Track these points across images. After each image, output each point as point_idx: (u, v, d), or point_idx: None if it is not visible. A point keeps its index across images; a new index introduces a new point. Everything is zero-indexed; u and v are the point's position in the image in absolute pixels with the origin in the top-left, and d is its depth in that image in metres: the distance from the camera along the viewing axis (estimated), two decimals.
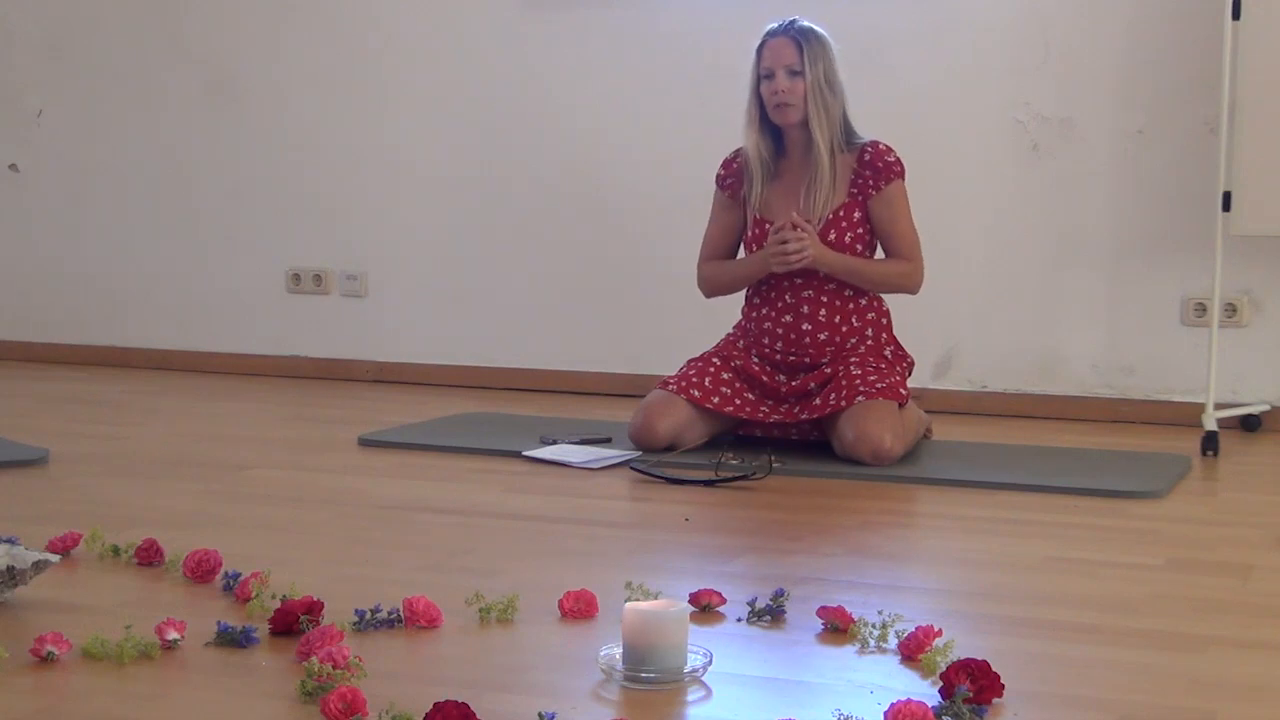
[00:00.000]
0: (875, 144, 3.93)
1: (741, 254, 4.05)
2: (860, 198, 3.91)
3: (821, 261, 3.84)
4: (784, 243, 3.80)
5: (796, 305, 3.92)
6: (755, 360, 3.94)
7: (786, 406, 3.88)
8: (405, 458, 3.88)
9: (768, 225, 3.91)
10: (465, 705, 1.84)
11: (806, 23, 3.91)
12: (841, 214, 3.90)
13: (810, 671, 2.20)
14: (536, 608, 2.42)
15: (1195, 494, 3.59)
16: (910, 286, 3.97)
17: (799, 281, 3.92)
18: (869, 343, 3.92)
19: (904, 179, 3.93)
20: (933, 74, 4.77)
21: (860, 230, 3.91)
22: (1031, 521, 3.20)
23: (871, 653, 2.25)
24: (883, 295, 3.99)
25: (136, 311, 5.69)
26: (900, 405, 3.81)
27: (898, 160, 3.92)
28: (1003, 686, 2.00)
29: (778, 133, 3.95)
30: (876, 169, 3.90)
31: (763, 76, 3.89)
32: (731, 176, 4.04)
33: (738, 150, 4.04)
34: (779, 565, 2.79)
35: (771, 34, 3.90)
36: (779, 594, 2.44)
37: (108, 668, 2.12)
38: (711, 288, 4.10)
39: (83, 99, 5.69)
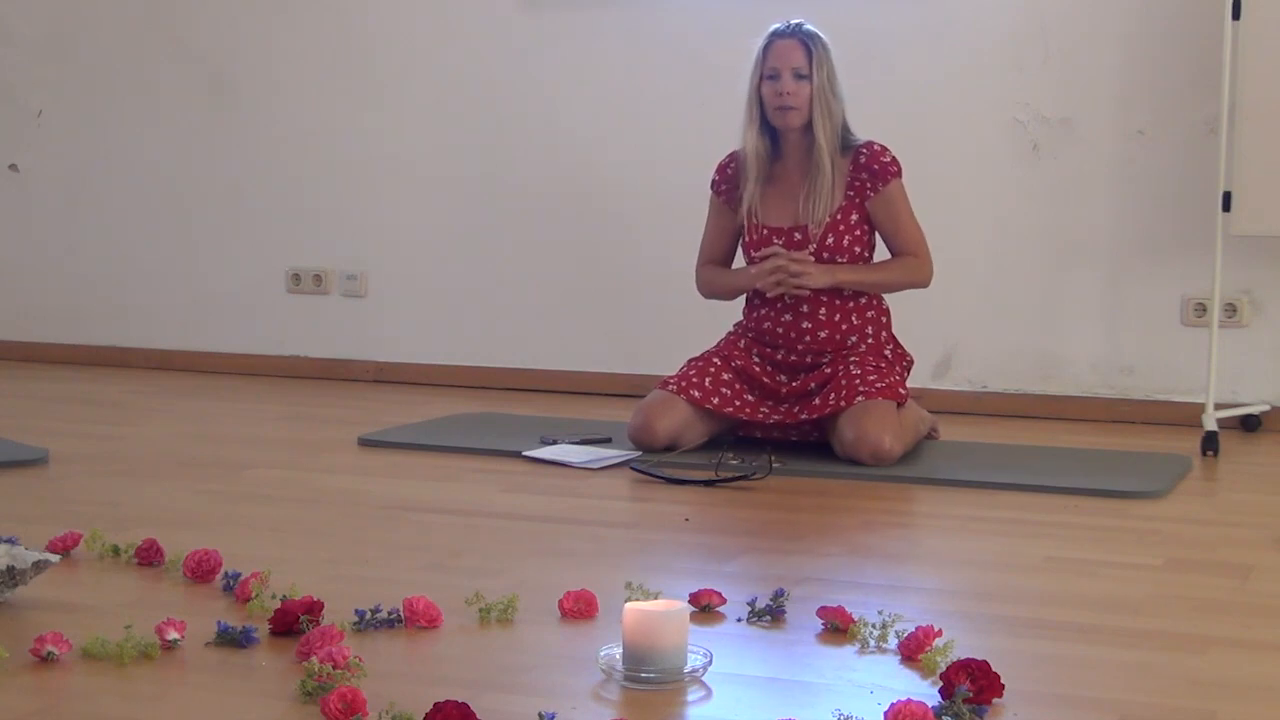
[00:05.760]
0: (870, 144, 3.91)
1: (740, 259, 4.04)
2: (858, 200, 3.90)
3: (835, 281, 3.84)
4: (774, 271, 3.82)
5: (796, 305, 3.91)
6: (756, 360, 3.93)
7: (786, 407, 3.88)
8: (405, 458, 3.87)
9: (765, 229, 3.91)
10: (465, 705, 1.84)
11: (811, 26, 3.90)
12: (840, 217, 3.89)
13: (810, 671, 2.19)
14: (536, 608, 2.42)
15: (1195, 494, 3.59)
16: (921, 280, 3.95)
17: None
18: (869, 341, 3.92)
19: (901, 177, 3.91)
20: (933, 74, 4.76)
21: (859, 232, 3.90)
22: (1031, 521, 3.20)
23: (871, 653, 2.25)
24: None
25: (136, 311, 5.69)
26: (900, 405, 3.81)
27: (894, 160, 3.91)
28: (1003, 686, 2.00)
29: (775, 135, 3.94)
30: (873, 171, 3.89)
31: (766, 77, 3.86)
32: (726, 182, 4.03)
33: (732, 154, 4.02)
34: (779, 565, 2.79)
35: (778, 35, 3.87)
36: (779, 594, 2.44)
37: (108, 668, 2.12)
38: (709, 292, 4.11)
39: (83, 99, 5.69)
